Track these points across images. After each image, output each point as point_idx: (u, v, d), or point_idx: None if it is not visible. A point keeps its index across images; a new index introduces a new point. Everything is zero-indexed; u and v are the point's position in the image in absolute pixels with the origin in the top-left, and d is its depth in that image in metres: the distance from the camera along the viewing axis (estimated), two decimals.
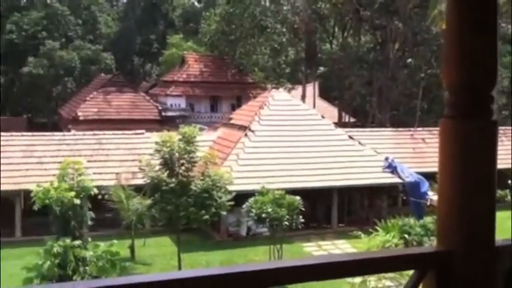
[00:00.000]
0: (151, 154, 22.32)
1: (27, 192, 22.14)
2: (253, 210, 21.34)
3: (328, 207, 27.65)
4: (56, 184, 19.46)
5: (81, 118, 43.21)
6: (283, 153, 27.46)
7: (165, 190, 20.96)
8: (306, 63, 49.37)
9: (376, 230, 20.50)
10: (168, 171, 21.19)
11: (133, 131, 30.77)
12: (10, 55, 53.92)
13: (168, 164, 21.32)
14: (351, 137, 30.16)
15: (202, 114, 47.32)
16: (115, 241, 19.70)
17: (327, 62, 49.70)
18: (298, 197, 21.71)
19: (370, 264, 2.06)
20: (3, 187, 24.76)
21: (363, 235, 20.34)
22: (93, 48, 57.68)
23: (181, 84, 47.50)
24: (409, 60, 45.61)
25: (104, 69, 55.84)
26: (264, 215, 20.96)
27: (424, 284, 2.03)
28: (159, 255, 23.09)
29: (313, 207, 26.44)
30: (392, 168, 28.01)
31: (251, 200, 21.90)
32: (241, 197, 22.84)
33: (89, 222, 20.47)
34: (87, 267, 18.11)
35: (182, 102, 47.23)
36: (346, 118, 46.45)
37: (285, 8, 49.09)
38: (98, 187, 21.08)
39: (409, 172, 28.14)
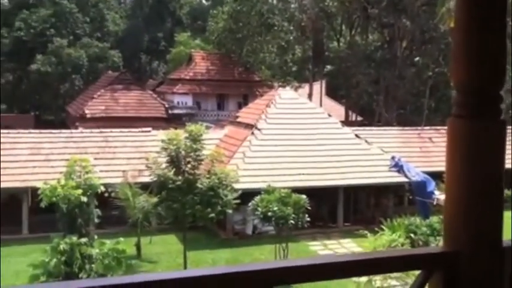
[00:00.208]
0: (157, 152, 22.36)
1: (34, 190, 22.25)
2: (259, 209, 21.33)
3: (334, 206, 27.60)
4: (63, 182, 19.56)
5: (88, 116, 43.37)
6: (289, 152, 27.42)
7: (171, 188, 20.97)
8: (313, 62, 49.29)
9: (382, 229, 20.47)
10: (174, 169, 21.20)
11: (140, 129, 30.80)
12: (18, 52, 54.15)
13: (174, 162, 21.33)
14: (357, 136, 30.09)
15: (209, 112, 47.34)
16: (121, 239, 19.79)
17: (334, 60, 49.52)
18: (304, 196, 21.69)
19: (376, 264, 2.05)
20: (11, 184, 24.84)
21: (368, 234, 20.29)
22: (101, 45, 57.80)
23: (188, 82, 47.54)
24: (417, 58, 45.36)
25: (111, 67, 55.99)
26: (269, 214, 20.95)
27: (431, 284, 2.01)
28: (165, 253, 23.12)
29: (319, 206, 26.40)
30: (398, 167, 27.93)
31: (257, 198, 21.89)
32: (247, 195, 22.81)
33: (96, 220, 20.59)
34: (93, 265, 18.18)
35: (189, 100, 47.26)
36: (353, 117, 46.37)
37: (292, 5, 48.96)
38: (104, 185, 21.18)
39: (416, 171, 28.05)
